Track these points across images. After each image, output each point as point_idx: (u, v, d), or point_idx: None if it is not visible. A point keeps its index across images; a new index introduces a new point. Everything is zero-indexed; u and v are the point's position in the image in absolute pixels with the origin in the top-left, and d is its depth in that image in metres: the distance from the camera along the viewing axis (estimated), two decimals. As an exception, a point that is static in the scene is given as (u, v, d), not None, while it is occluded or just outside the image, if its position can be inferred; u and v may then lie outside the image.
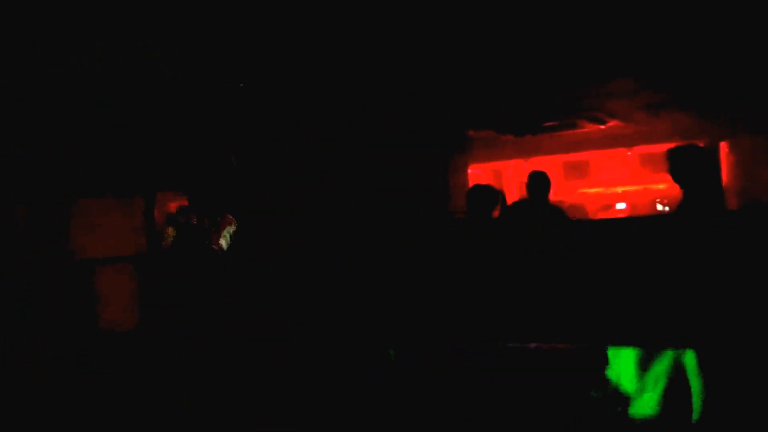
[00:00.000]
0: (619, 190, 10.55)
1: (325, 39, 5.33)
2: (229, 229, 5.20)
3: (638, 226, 4.65)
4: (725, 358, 3.99)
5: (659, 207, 10.09)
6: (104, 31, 4.95)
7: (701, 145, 5.48)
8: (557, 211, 6.01)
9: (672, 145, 5.14)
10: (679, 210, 4.86)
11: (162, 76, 5.87)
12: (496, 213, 5.77)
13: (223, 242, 5.13)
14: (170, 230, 5.16)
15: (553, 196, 6.22)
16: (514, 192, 10.04)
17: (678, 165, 4.86)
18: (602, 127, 9.23)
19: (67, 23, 4.76)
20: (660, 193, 10.11)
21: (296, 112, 6.80)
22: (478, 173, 10.56)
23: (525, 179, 6.19)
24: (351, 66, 6.07)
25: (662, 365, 4.16)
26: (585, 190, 10.68)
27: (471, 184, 8.24)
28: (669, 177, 4.89)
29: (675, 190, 4.95)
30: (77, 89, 5.93)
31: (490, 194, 5.65)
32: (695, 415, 4.02)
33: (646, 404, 4.16)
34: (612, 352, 4.34)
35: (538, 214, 5.87)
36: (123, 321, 6.87)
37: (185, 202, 5.55)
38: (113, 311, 6.96)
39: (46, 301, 6.47)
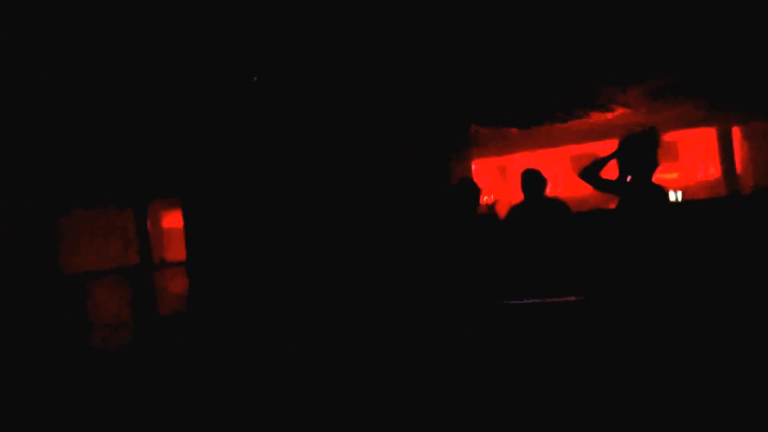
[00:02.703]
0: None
1: (326, 31, 5.28)
2: None
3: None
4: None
5: (671, 196, 9.90)
6: (94, 31, 4.87)
7: (714, 130, 5.50)
8: (557, 205, 5.83)
9: (681, 132, 5.15)
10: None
11: (153, 81, 5.79)
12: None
13: None
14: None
15: (562, 190, 6.10)
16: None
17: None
18: (609, 116, 9.09)
19: (51, 23, 4.66)
20: (671, 182, 9.89)
21: (296, 109, 6.74)
22: (481, 168, 10.38)
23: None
24: (352, 59, 5.95)
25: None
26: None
27: (475, 179, 8.15)
28: (680, 166, 4.88)
29: (686, 180, 4.88)
30: (64, 94, 5.83)
31: (473, 189, 5.63)
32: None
33: None
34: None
35: (536, 212, 5.66)
36: (116, 338, 6.71)
37: (177, 212, 5.50)
38: (105, 328, 6.80)
39: (33, 319, 6.30)
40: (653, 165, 4.47)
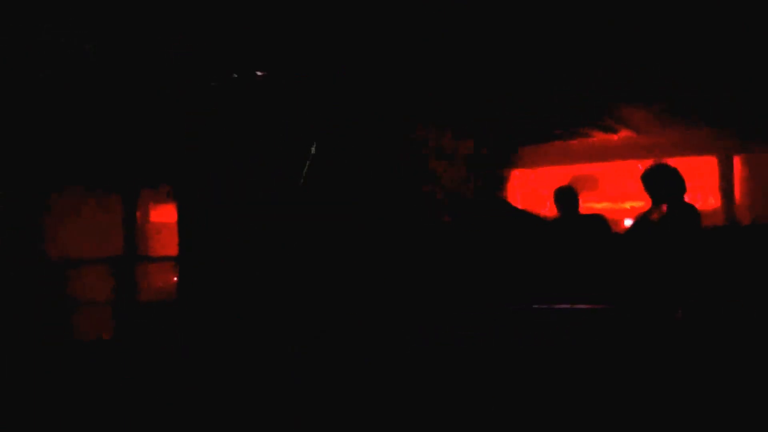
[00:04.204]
0: (627, 205, 10.27)
1: (326, 30, 5.29)
2: None
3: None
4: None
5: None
6: (83, 18, 4.85)
7: (714, 158, 5.72)
8: (597, 219, 5.96)
9: (684, 158, 5.32)
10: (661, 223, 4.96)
11: (147, 66, 5.76)
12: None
13: None
14: None
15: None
16: (518, 202, 9.78)
17: (653, 184, 5.10)
18: (614, 137, 9.08)
19: (39, 9, 4.63)
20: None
21: (295, 107, 6.74)
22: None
23: (529, 189, 6.18)
24: (352, 59, 5.98)
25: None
26: (592, 205, 10.41)
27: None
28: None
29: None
30: (52, 77, 5.79)
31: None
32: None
33: None
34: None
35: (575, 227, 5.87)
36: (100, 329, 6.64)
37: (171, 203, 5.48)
38: (89, 319, 6.72)
39: (14, 307, 6.21)
40: (683, 188, 4.93)
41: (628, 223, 10.16)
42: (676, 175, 5.06)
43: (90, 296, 6.77)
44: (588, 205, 10.34)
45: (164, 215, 7.65)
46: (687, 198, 5.06)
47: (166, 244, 6.95)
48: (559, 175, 10.12)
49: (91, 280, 6.81)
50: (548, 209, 6.13)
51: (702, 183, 11.04)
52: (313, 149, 5.95)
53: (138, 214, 7.26)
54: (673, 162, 5.41)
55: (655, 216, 4.97)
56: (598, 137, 9.15)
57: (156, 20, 4.75)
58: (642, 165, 6.58)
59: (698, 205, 5.06)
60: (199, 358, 5.48)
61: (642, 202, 5.88)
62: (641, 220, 5.17)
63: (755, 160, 9.80)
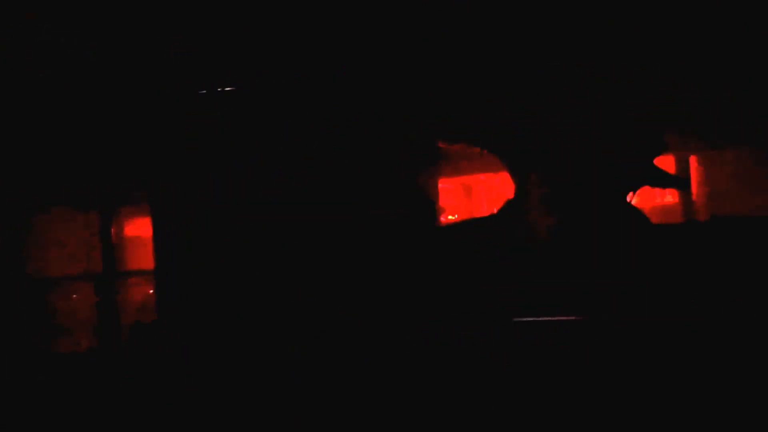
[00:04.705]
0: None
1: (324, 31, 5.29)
2: None
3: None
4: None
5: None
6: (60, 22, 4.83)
7: (672, 157, 5.55)
8: None
9: None
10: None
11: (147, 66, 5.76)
12: None
13: None
14: None
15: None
16: (484, 207, 9.91)
17: None
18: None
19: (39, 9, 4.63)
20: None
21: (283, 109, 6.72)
22: (448, 187, 10.44)
23: (496, 194, 6.16)
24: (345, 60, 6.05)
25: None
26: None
27: (441, 198, 8.19)
28: (638, 191, 4.95)
29: (644, 204, 4.97)
30: (52, 78, 5.77)
31: None
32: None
33: None
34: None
35: None
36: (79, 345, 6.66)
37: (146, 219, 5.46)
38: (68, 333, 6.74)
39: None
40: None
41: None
42: None
43: (72, 312, 6.80)
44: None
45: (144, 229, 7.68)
46: (647, 195, 5.07)
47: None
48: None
49: (72, 296, 6.83)
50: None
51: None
52: (313, 149, 5.97)
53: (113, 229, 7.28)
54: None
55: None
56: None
57: (156, 20, 4.71)
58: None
59: (657, 201, 5.07)
60: (192, 359, 5.53)
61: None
62: None
63: (710, 159, 10.06)
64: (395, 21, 5.15)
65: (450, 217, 9.80)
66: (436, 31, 5.27)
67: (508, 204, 4.83)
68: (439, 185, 10.73)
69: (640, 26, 5.29)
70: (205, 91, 5.99)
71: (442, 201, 7.41)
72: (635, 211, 4.82)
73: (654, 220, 8.18)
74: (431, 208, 8.20)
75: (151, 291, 6.86)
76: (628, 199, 4.83)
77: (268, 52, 5.64)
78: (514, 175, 3.01)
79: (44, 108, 6.09)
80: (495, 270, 4.65)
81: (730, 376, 3.98)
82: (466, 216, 11.35)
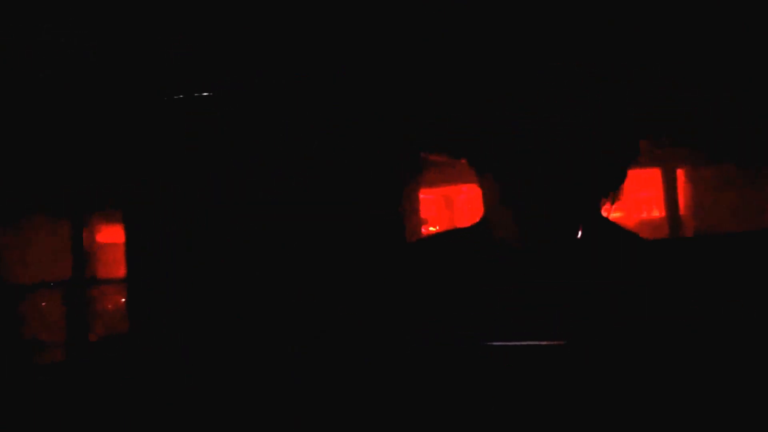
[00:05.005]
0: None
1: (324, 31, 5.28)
2: None
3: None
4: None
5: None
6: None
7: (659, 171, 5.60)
8: None
9: (628, 171, 5.17)
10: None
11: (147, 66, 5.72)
12: None
13: None
14: None
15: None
16: (465, 218, 9.83)
17: None
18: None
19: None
20: (616, 221, 9.99)
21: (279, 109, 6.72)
22: (429, 198, 10.36)
23: (477, 205, 6.12)
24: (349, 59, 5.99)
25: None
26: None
27: (422, 208, 8.19)
28: (624, 205, 4.95)
29: (630, 219, 4.92)
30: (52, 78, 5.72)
31: None
32: None
33: None
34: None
35: None
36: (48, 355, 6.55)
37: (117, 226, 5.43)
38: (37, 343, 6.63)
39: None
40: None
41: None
42: None
43: (45, 320, 6.71)
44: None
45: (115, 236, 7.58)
46: (633, 209, 5.06)
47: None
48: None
49: (39, 305, 6.74)
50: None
51: (647, 195, 11.30)
52: (313, 149, 5.97)
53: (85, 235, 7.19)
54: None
55: None
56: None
57: (156, 20, 4.71)
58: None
59: (644, 216, 5.07)
60: (192, 360, 5.48)
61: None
62: None
63: (698, 174, 10.06)
64: (382, 24, 5.14)
65: (431, 228, 9.73)
66: (436, 32, 5.27)
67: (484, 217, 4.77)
68: (420, 196, 10.69)
69: (624, 32, 5.27)
70: (204, 93, 5.97)
71: (424, 212, 7.31)
72: (611, 225, 4.70)
73: (642, 234, 8.06)
74: (414, 218, 8.16)
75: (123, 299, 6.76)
76: (604, 212, 4.68)
77: (268, 52, 5.62)
78: (494, 185, 2.89)
79: (35, 109, 6.05)
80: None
81: (720, 403, 3.91)
82: (447, 228, 11.28)
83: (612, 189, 3.24)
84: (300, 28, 5.08)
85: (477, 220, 3.27)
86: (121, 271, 6.47)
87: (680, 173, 10.11)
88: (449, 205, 10.89)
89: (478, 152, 2.46)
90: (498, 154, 2.34)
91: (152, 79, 5.83)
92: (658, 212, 10.76)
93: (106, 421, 5.37)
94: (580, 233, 3.71)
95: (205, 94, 6.02)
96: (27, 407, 5.68)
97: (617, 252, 3.68)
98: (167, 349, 5.80)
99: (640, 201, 11.73)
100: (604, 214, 3.83)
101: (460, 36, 5.03)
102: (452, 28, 4.99)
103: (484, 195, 2.69)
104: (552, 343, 3.37)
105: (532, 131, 2.30)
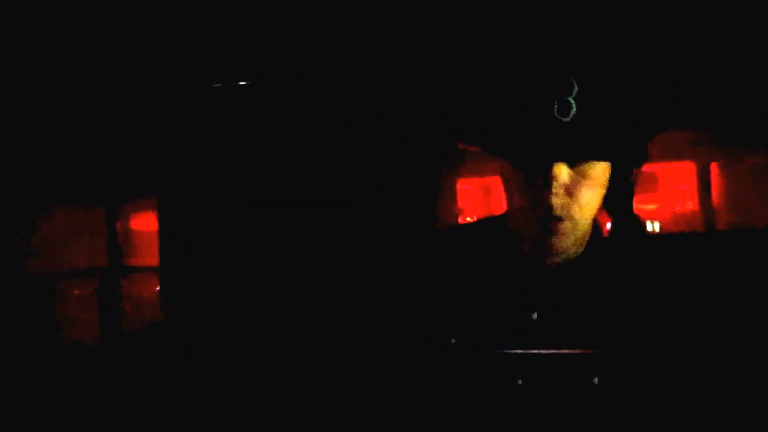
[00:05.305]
0: (607, 210, 10.33)
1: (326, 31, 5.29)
2: None
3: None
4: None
5: (649, 227, 9.92)
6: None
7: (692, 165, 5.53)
8: None
9: (662, 164, 5.14)
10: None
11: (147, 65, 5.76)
12: None
13: None
14: None
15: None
16: (502, 209, 9.76)
17: None
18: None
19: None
20: (650, 214, 9.92)
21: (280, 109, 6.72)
22: (467, 188, 10.31)
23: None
24: (353, 59, 6.00)
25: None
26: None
27: (460, 198, 8.22)
28: (660, 198, 4.88)
29: (666, 212, 4.86)
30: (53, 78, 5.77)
31: None
32: None
33: None
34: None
35: None
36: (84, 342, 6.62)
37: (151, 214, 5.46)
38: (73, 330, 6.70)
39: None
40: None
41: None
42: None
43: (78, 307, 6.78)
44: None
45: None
46: (667, 202, 4.97)
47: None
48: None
49: (76, 292, 6.80)
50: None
51: (682, 188, 11.20)
52: (313, 149, 5.97)
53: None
54: (652, 167, 5.39)
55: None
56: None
57: (156, 20, 4.74)
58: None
59: (678, 209, 4.99)
60: (195, 358, 5.50)
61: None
62: None
63: (731, 168, 9.95)
64: (398, 19, 5.14)
65: (468, 218, 9.70)
66: (439, 30, 5.27)
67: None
68: (458, 186, 10.64)
69: (640, 28, 5.24)
70: (204, 92, 5.99)
71: (461, 202, 7.30)
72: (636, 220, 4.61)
73: (675, 228, 8.01)
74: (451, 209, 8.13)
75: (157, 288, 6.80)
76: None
77: (268, 52, 5.64)
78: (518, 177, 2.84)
79: (45, 107, 6.10)
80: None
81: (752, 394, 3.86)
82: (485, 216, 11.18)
83: (626, 187, 3.17)
84: (314, 23, 5.09)
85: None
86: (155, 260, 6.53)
87: (714, 167, 10.02)
88: (487, 196, 10.83)
89: (492, 142, 2.45)
90: (510, 144, 2.33)
91: (175, 77, 5.87)
92: (692, 205, 10.67)
93: (131, 410, 5.41)
94: (609, 228, 3.66)
95: (228, 88, 6.05)
96: (60, 394, 5.76)
97: (640, 249, 3.60)
98: (193, 337, 5.85)
99: (675, 194, 11.64)
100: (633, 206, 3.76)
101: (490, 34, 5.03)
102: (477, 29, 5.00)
103: (504, 184, 2.66)
104: (572, 351, 3.31)
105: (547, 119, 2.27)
